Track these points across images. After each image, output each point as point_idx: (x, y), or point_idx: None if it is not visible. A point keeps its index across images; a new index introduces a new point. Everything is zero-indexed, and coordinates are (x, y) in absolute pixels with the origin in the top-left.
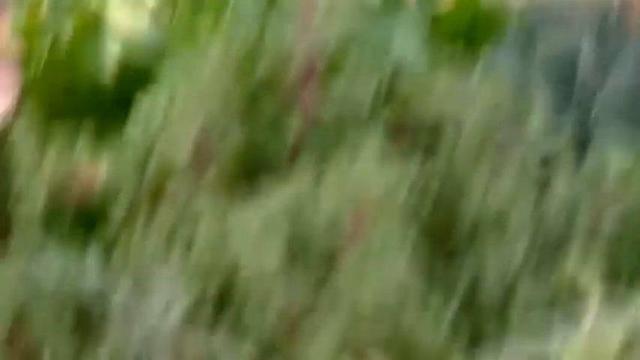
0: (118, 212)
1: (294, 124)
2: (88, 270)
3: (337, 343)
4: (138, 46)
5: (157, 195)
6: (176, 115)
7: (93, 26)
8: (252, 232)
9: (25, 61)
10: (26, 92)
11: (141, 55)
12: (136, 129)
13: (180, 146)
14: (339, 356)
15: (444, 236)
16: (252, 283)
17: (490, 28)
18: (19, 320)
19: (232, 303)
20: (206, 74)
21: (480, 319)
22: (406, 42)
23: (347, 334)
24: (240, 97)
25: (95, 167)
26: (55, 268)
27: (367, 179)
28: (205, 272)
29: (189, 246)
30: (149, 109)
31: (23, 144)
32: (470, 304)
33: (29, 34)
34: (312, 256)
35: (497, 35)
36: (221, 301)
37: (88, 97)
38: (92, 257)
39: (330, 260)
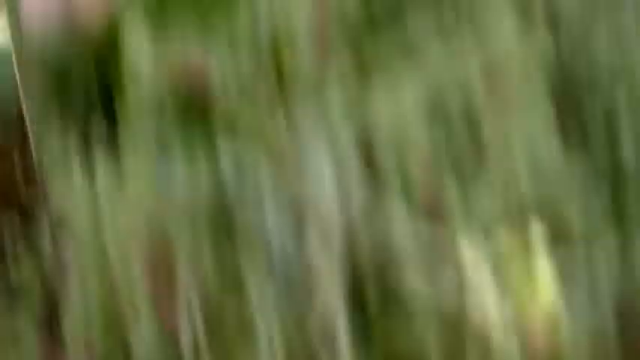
0: (236, 101)
1: None
2: (221, 172)
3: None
4: None
5: (278, 78)
6: None
7: None
8: (394, 111)
9: None
10: None
11: None
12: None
13: (297, 17)
14: (495, 225)
15: (577, 105)
16: (395, 150)
17: None
18: (158, 236)
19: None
20: None
21: (626, 195)
22: None
23: (500, 199)
24: None
25: (205, 55)
26: (184, 172)
27: (502, 46)
28: (345, 142)
29: (328, 127)
30: None
31: (133, 33)
32: (614, 181)
33: None
34: (453, 123)
35: None
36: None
37: None
38: (224, 158)
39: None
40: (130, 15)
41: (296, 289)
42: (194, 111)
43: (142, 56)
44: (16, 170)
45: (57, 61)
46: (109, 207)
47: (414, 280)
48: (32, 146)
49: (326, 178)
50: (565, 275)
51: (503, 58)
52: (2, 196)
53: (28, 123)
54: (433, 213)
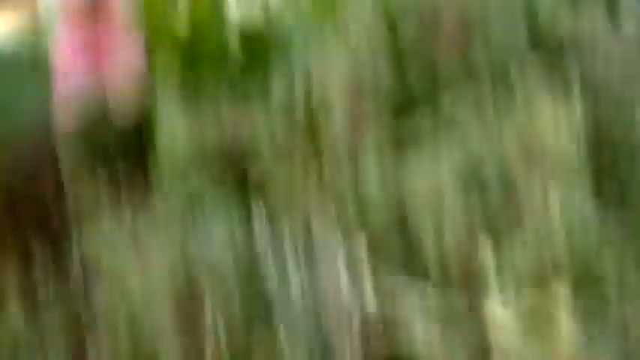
0: (270, 163)
1: (445, 62)
2: (254, 235)
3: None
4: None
5: (313, 142)
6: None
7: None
8: (429, 194)
9: (153, 31)
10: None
11: (262, 24)
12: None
13: (334, 88)
14: (522, 286)
15: (613, 166)
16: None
17: None
18: (187, 295)
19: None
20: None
21: None
22: None
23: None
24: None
25: (239, 118)
26: (218, 233)
27: (541, 125)
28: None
29: (357, 201)
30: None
31: (164, 101)
32: None
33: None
34: (489, 188)
35: None
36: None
37: (216, 64)
38: (258, 220)
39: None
40: (164, 83)
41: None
42: (228, 172)
43: (177, 122)
44: (50, 211)
45: (92, 123)
46: (137, 255)
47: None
48: (67, 189)
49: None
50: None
51: (539, 126)
52: (37, 236)
53: (63, 170)
54: (466, 276)
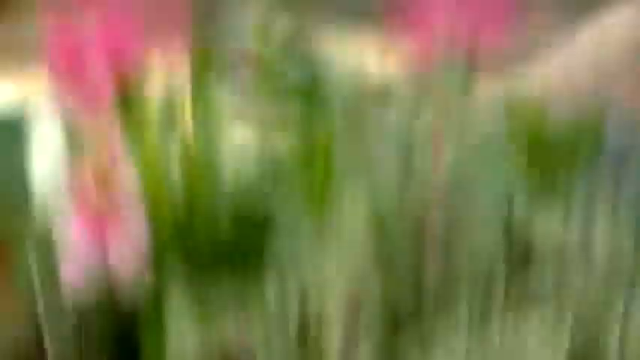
0: None
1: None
2: None
3: None
4: (250, 191)
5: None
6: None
7: (206, 176)
8: None
9: (152, 214)
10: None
11: (254, 200)
12: (276, 287)
13: (332, 298)
14: None
15: None
16: None
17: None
18: None
19: None
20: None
21: None
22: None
23: None
24: (382, 251)
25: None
26: None
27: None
28: None
29: None
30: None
31: (174, 307)
32: None
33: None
34: None
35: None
36: None
37: (208, 248)
38: None
39: None
40: (171, 288)
41: None
42: None
43: (185, 333)
44: None
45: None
46: None
47: None
48: None
49: None
50: None
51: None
52: None
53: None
54: None
